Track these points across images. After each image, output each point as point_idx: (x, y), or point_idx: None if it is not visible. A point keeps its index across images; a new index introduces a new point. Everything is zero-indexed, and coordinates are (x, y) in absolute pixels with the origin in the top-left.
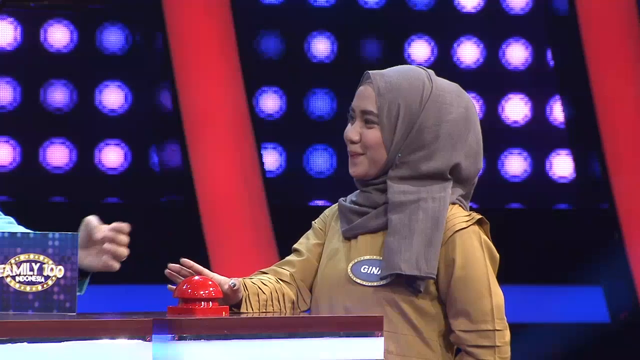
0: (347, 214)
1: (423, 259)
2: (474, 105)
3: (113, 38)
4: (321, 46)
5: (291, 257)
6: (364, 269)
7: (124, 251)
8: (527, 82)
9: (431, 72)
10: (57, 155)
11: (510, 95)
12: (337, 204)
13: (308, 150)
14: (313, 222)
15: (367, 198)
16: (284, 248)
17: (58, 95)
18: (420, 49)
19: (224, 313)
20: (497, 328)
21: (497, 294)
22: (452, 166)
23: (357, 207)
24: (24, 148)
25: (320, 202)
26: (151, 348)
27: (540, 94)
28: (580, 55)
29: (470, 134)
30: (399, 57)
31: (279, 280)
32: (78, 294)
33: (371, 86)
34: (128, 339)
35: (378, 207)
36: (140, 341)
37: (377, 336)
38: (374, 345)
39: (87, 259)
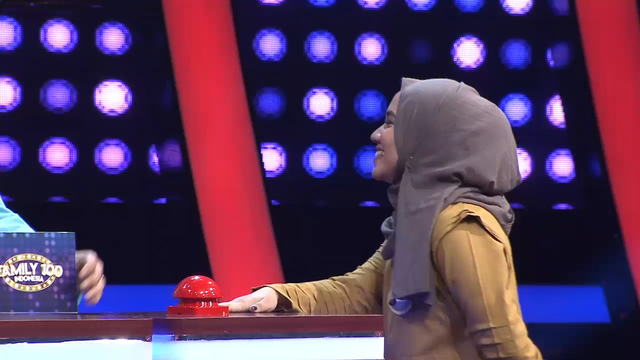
0: (385, 236)
1: (410, 277)
2: (508, 128)
3: (113, 38)
4: (321, 46)
5: (362, 266)
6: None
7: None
8: (527, 82)
9: (466, 87)
10: (57, 155)
11: (510, 95)
12: None
13: (308, 150)
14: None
15: (394, 215)
16: (284, 248)
17: (58, 95)
18: (420, 49)
19: (223, 313)
20: (492, 326)
21: (491, 291)
22: (459, 172)
23: (387, 229)
24: (24, 148)
25: (320, 203)
26: (151, 348)
27: (540, 94)
28: (580, 55)
29: (488, 149)
30: (399, 57)
31: (339, 286)
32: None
33: (401, 91)
34: (128, 339)
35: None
36: (140, 341)
37: (377, 336)
38: (374, 345)
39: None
